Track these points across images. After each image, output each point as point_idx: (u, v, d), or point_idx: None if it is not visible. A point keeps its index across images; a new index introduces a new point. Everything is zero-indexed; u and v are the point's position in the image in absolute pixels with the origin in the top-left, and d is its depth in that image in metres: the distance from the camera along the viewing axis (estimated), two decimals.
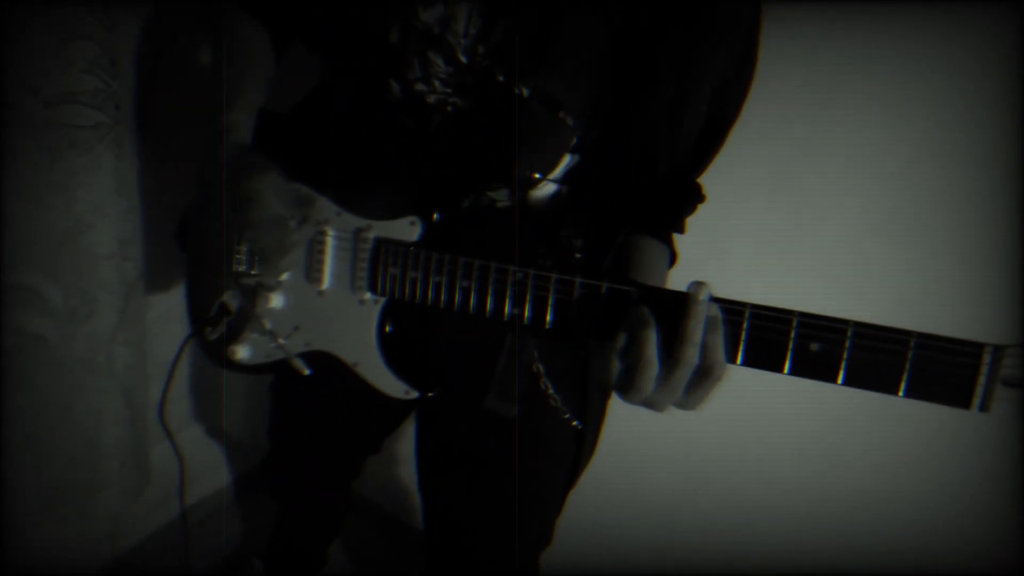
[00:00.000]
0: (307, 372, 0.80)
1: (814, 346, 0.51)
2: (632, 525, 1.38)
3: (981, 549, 1.18)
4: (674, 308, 0.55)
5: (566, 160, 0.78)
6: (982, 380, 0.47)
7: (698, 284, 0.55)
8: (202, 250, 0.91)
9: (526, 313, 0.65)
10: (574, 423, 0.85)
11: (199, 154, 0.81)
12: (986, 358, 0.46)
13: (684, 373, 0.55)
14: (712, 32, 0.69)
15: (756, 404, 1.22)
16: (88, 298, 1.12)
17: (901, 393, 0.49)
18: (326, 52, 0.86)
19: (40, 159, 0.99)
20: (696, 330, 0.54)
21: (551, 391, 0.83)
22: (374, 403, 0.81)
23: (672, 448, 1.33)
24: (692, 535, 1.36)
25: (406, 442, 1.44)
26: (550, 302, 0.63)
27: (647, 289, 0.59)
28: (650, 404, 0.58)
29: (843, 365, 0.51)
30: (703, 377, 0.55)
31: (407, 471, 1.57)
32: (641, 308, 0.57)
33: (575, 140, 0.74)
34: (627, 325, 0.57)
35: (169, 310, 1.36)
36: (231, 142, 0.75)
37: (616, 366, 0.57)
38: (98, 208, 1.07)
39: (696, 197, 0.83)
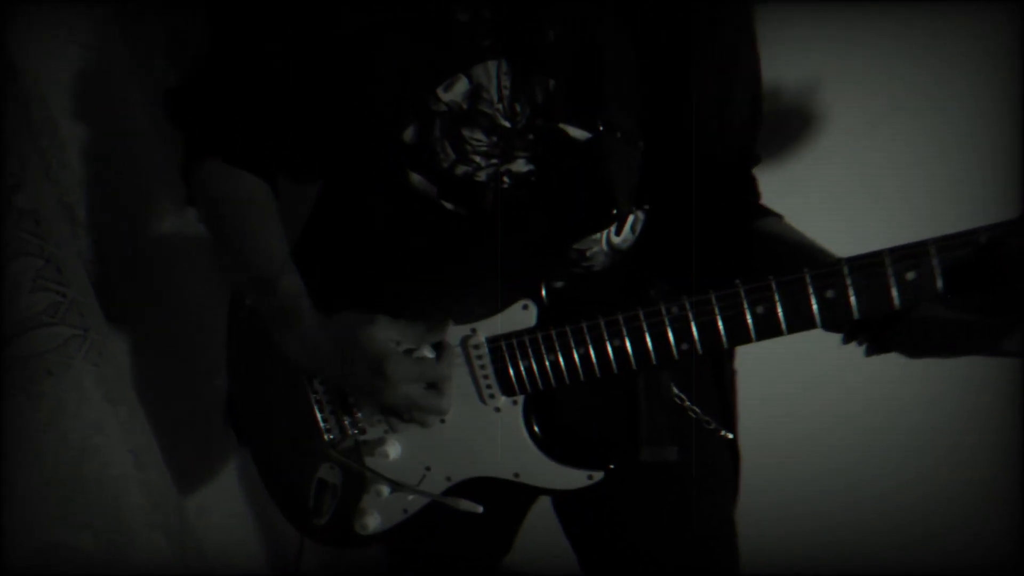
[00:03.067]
0: (480, 510, 0.72)
1: None
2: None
3: (981, 549, 1.22)
4: None
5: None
6: None
7: None
8: (278, 428, 0.80)
9: (698, 344, 0.62)
10: (727, 436, 0.82)
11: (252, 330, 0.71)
12: None
13: None
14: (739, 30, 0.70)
15: (756, 405, 1.23)
16: (122, 534, 0.95)
17: None
18: (327, 177, 0.79)
19: (22, 405, 0.84)
20: None
21: (700, 415, 0.79)
22: (498, 507, 0.74)
23: None
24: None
25: None
26: (749, 316, 0.59)
27: (995, 227, 0.52)
28: None
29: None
30: None
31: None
32: (1012, 243, 0.51)
33: (640, 159, 0.72)
34: (1010, 266, 0.50)
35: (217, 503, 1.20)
36: (303, 309, 0.67)
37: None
38: (98, 428, 0.91)
39: (754, 159, 0.81)
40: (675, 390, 0.78)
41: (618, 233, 0.73)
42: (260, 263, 0.70)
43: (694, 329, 0.62)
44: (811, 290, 0.58)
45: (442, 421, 0.73)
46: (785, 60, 1.01)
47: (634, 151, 0.70)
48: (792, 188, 1.06)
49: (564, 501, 0.91)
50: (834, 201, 1.11)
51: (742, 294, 0.60)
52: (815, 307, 0.59)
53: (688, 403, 0.79)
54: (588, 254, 0.73)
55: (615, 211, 0.68)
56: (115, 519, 0.95)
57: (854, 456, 1.25)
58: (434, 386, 0.68)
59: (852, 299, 0.57)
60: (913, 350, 0.60)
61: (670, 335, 0.63)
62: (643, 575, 0.87)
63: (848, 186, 1.11)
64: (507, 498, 0.74)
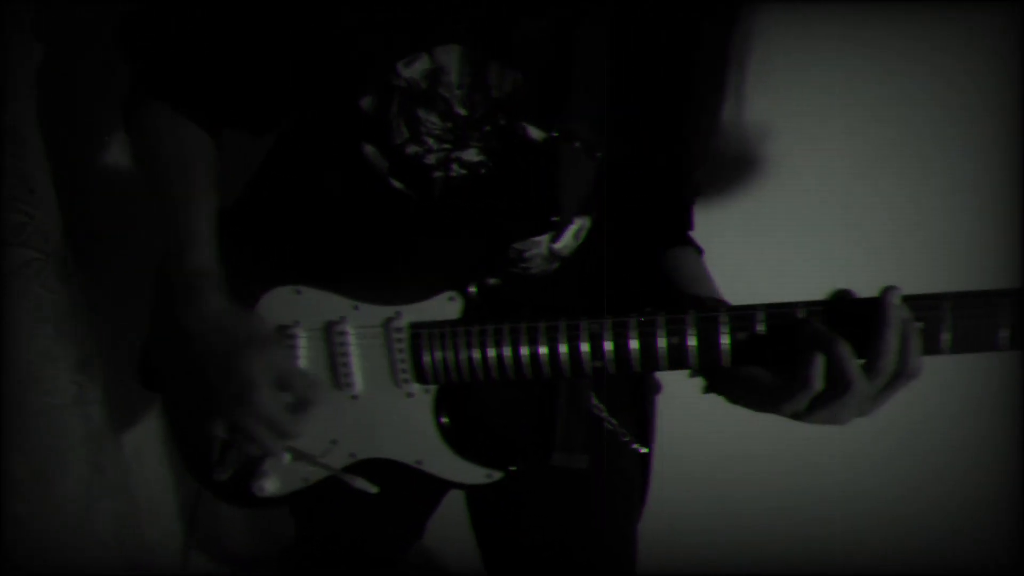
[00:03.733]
0: (374, 490, 0.72)
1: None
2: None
3: (981, 549, 1.24)
4: (857, 317, 0.54)
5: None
6: None
7: (891, 289, 0.52)
8: (183, 389, 0.79)
9: (611, 364, 0.63)
10: (642, 449, 0.84)
11: (160, 294, 0.70)
12: None
13: (883, 382, 0.53)
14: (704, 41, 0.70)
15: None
16: (56, 465, 0.93)
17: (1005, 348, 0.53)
18: (280, 134, 0.77)
19: None
20: (895, 337, 0.51)
21: (616, 427, 0.81)
22: (410, 491, 0.75)
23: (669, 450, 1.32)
24: (689, 536, 1.35)
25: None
26: (659, 344, 0.60)
27: (816, 304, 0.56)
28: (835, 420, 0.55)
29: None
30: (900, 380, 0.53)
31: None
32: (817, 325, 0.54)
33: (593, 168, 0.72)
34: (810, 347, 0.53)
35: (144, 447, 1.18)
36: (208, 290, 0.66)
37: (808, 393, 0.54)
38: (46, 356, 0.89)
39: (696, 191, 0.84)
40: (595, 400, 0.80)
41: (556, 240, 0.73)
42: (177, 226, 0.68)
43: (609, 349, 0.63)
44: (726, 329, 0.59)
45: (353, 397, 0.72)
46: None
47: (589, 162, 0.70)
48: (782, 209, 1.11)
49: (475, 496, 0.92)
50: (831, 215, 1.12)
51: (660, 322, 0.61)
52: (725, 344, 0.60)
53: (606, 415, 0.80)
54: (527, 255, 0.73)
55: (556, 219, 0.68)
56: (51, 449, 0.93)
57: (854, 456, 1.26)
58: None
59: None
60: (729, 397, 0.63)
61: (586, 351, 0.63)
62: None
63: (845, 193, 1.11)
64: (415, 484, 0.75)
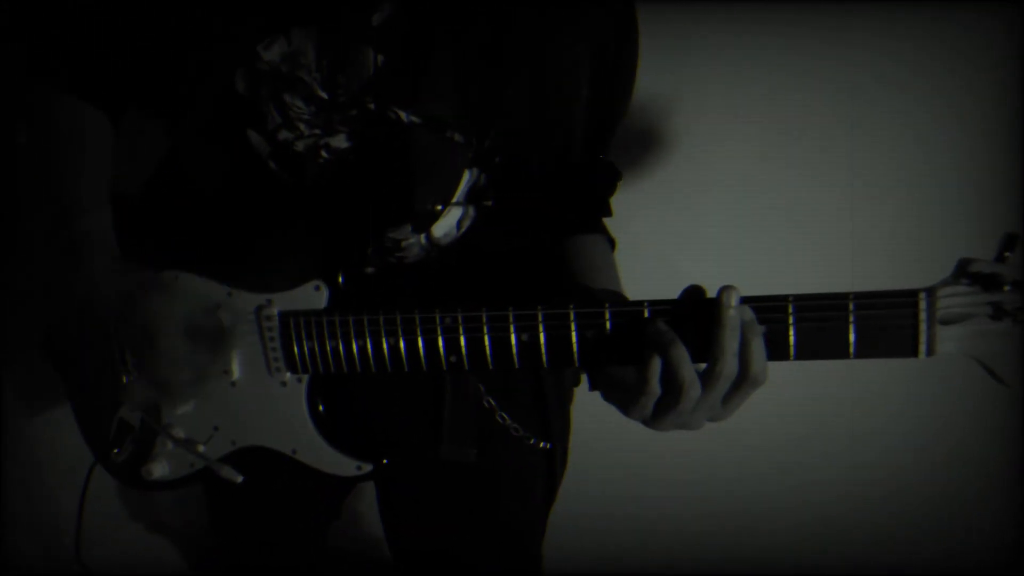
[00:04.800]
0: (239, 480, 0.72)
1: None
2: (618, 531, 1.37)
3: (981, 549, 1.22)
4: (698, 318, 0.51)
5: (465, 178, 0.73)
6: (923, 326, 0.48)
7: (727, 289, 0.50)
8: (82, 366, 0.80)
9: (465, 360, 0.61)
10: (541, 445, 0.82)
11: (54, 267, 0.70)
12: (922, 304, 0.47)
13: (724, 387, 0.51)
14: (571, 18, 0.67)
15: (754, 404, 1.23)
16: None
17: (852, 355, 0.50)
18: (170, 115, 0.76)
19: None
20: (732, 340, 0.49)
21: (508, 422, 0.79)
22: (320, 478, 0.74)
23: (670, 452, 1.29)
24: (688, 536, 1.35)
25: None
26: (512, 341, 0.58)
27: (660, 303, 0.54)
28: (685, 426, 0.53)
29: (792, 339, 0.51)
30: (744, 386, 0.51)
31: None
32: (658, 326, 0.52)
33: (471, 155, 0.70)
34: (650, 348, 0.52)
35: (56, 435, 1.20)
36: (97, 252, 0.65)
37: (649, 396, 0.52)
38: None
39: (611, 175, 0.81)
40: (484, 393, 0.78)
41: (419, 229, 0.71)
42: (61, 195, 0.68)
43: (463, 343, 0.61)
44: (574, 326, 0.57)
45: (232, 384, 0.72)
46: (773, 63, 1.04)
47: (456, 148, 0.67)
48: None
49: (384, 488, 0.91)
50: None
51: (511, 318, 0.59)
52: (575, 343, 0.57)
53: (498, 409, 0.79)
54: (403, 244, 0.72)
55: (431, 207, 0.66)
56: None
57: (854, 456, 1.26)
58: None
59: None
60: (604, 396, 0.61)
61: (440, 345, 0.62)
62: (434, 568, 0.88)
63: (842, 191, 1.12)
64: (301, 474, 0.74)
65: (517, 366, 0.59)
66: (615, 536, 1.38)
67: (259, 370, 0.71)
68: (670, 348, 0.50)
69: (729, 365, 0.50)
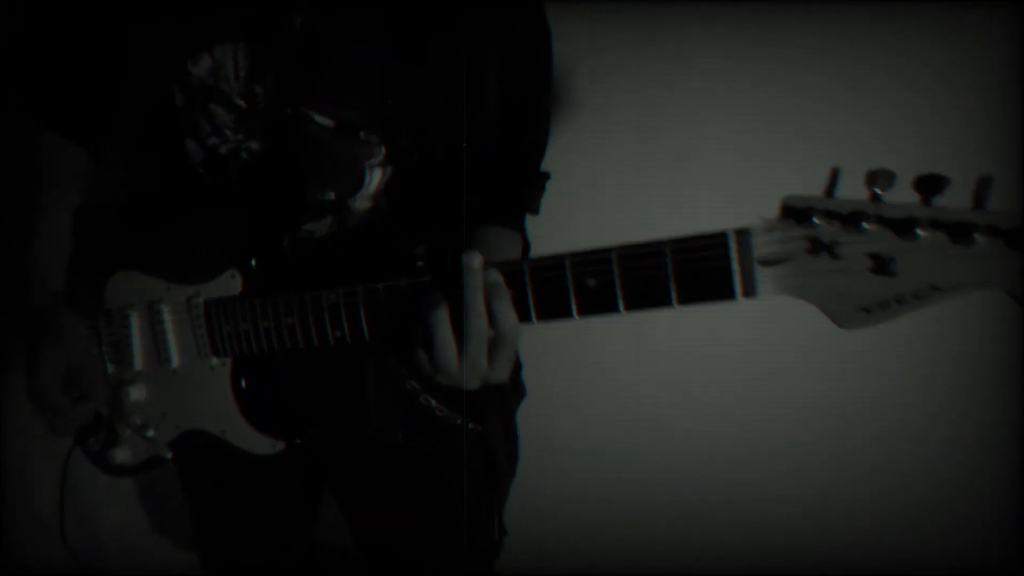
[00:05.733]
0: (168, 455, 0.78)
1: (590, 281, 0.51)
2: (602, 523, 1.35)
3: (981, 549, 1.17)
4: (454, 284, 0.55)
5: (378, 176, 0.78)
6: (736, 267, 0.46)
7: (469, 253, 0.54)
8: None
9: (346, 333, 0.64)
10: (470, 426, 0.83)
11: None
12: (732, 243, 0.46)
13: (479, 345, 0.54)
14: (478, 18, 0.71)
15: (755, 402, 1.23)
16: None
17: (676, 303, 0.49)
18: (118, 132, 0.86)
19: None
20: (475, 300, 0.53)
21: (433, 404, 0.81)
22: (282, 472, 0.79)
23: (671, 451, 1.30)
24: (688, 535, 1.33)
25: None
26: (370, 314, 0.62)
27: (422, 272, 0.59)
28: (459, 383, 0.57)
29: (619, 293, 0.50)
30: (498, 345, 0.55)
31: None
32: (432, 292, 0.57)
33: (384, 152, 0.74)
34: (422, 311, 0.57)
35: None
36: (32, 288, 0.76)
37: (420, 358, 0.57)
38: None
39: (536, 177, 0.84)
40: (406, 375, 0.80)
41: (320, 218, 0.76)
42: (23, 228, 0.79)
43: (344, 318, 0.64)
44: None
45: (173, 371, 0.79)
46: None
47: (366, 147, 0.72)
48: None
49: (333, 482, 0.95)
50: None
51: (380, 290, 0.62)
52: None
53: (420, 391, 0.81)
54: (316, 235, 0.77)
55: (329, 198, 0.71)
56: None
57: (853, 456, 1.23)
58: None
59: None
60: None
61: (326, 320, 0.65)
62: (389, 557, 0.90)
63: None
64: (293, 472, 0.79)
65: (367, 340, 0.63)
66: (596, 531, 1.35)
67: (192, 356, 0.77)
68: (429, 312, 0.56)
69: (474, 324, 0.54)
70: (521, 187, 0.87)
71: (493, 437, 0.87)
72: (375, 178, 0.77)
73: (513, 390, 0.92)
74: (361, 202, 0.76)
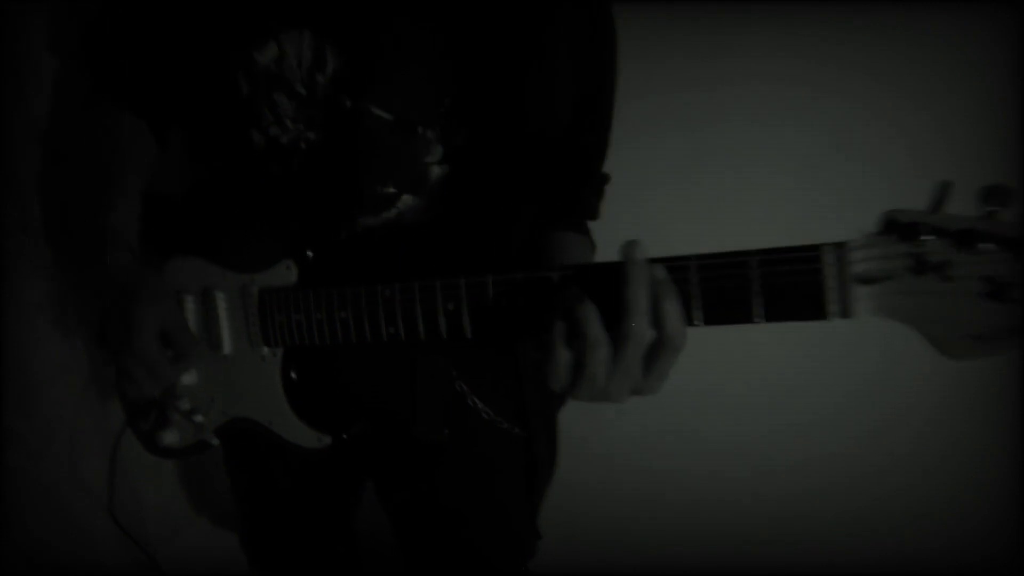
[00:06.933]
0: (215, 443, 0.78)
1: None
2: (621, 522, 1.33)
3: (981, 549, 1.16)
4: (608, 280, 0.49)
5: (436, 173, 0.76)
6: (832, 284, 0.42)
7: (631, 244, 0.48)
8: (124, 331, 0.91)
9: (401, 330, 0.63)
10: (515, 431, 0.81)
11: (90, 262, 0.82)
12: (827, 259, 0.42)
13: (637, 349, 0.48)
14: (547, 16, 0.69)
15: (757, 402, 1.21)
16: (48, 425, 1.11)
17: (760, 319, 0.45)
18: (185, 123, 0.87)
19: None
20: (640, 296, 0.47)
21: (480, 406, 0.79)
22: (326, 462, 0.78)
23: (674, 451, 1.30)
24: (689, 535, 1.33)
25: None
26: (442, 311, 0.60)
27: (569, 267, 0.53)
28: (606, 395, 0.50)
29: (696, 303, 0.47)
30: (661, 350, 0.48)
31: None
32: (570, 287, 0.51)
33: (440, 150, 0.73)
34: (559, 311, 0.50)
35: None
36: (117, 256, 0.76)
37: (557, 360, 0.50)
38: (30, 333, 1.07)
39: (598, 178, 0.81)
40: (456, 377, 0.79)
41: (379, 213, 0.74)
42: (98, 193, 0.80)
43: (399, 315, 0.63)
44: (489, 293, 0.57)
45: (224, 357, 0.79)
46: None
47: (424, 142, 0.71)
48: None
49: (380, 476, 0.94)
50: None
51: (438, 287, 0.60)
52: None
53: (470, 393, 0.79)
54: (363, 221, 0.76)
55: (389, 191, 0.70)
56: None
57: (853, 456, 1.24)
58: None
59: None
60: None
61: (381, 316, 0.64)
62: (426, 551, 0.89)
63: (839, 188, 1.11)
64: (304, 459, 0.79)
65: (447, 337, 0.60)
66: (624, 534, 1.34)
67: (244, 344, 0.77)
68: (576, 306, 0.49)
69: (639, 324, 0.47)
70: (582, 189, 0.84)
71: (537, 442, 0.84)
72: (433, 175, 0.75)
73: (555, 392, 0.89)
74: (419, 198, 0.75)
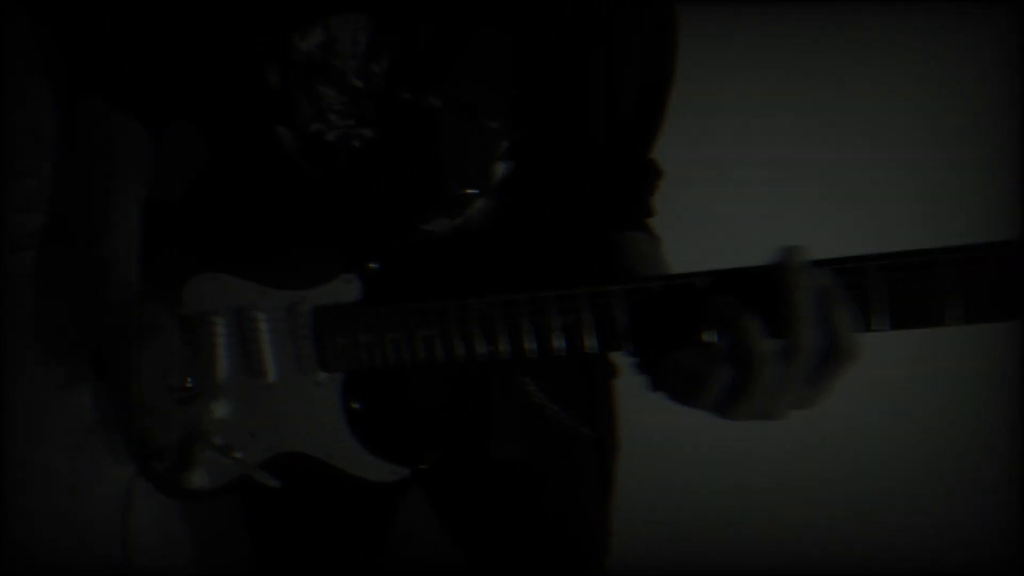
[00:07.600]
0: (274, 484, 0.69)
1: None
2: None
3: (981, 549, 1.19)
4: (764, 286, 0.44)
5: (501, 171, 0.69)
6: None
7: (790, 249, 0.44)
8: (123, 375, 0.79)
9: (505, 347, 0.56)
10: (586, 431, 0.76)
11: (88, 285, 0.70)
12: None
13: (807, 363, 0.43)
14: (614, 13, 0.63)
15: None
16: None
17: (957, 321, 0.42)
18: (203, 119, 0.76)
19: None
20: (807, 304, 0.43)
21: (559, 412, 0.74)
22: (359, 498, 0.70)
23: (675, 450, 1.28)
24: (693, 535, 1.33)
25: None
26: (558, 326, 0.53)
27: (714, 273, 0.48)
28: (767, 414, 0.46)
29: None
30: (834, 360, 0.43)
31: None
32: (720, 297, 0.46)
33: (504, 145, 0.66)
34: (711, 322, 0.46)
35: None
36: (114, 276, 0.66)
37: (717, 378, 0.46)
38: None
39: (653, 174, 0.77)
40: (533, 390, 0.73)
41: (451, 216, 0.67)
42: (92, 213, 0.69)
43: (500, 331, 0.56)
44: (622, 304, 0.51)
45: (267, 387, 0.70)
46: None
47: (490, 134, 0.64)
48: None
49: (431, 492, 0.86)
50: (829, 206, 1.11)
51: (551, 299, 0.54)
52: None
53: (548, 405, 0.73)
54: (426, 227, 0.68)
55: (466, 191, 0.63)
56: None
57: (852, 456, 1.24)
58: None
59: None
60: (667, 393, 0.54)
61: (476, 333, 0.57)
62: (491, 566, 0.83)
63: (841, 189, 1.10)
64: (341, 481, 0.71)
65: (564, 353, 0.54)
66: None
67: (293, 370, 0.68)
68: (738, 320, 0.44)
69: (809, 336, 0.43)
70: (641, 185, 0.79)
71: (607, 443, 0.80)
72: (499, 173, 0.68)
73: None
74: (485, 199, 0.68)
